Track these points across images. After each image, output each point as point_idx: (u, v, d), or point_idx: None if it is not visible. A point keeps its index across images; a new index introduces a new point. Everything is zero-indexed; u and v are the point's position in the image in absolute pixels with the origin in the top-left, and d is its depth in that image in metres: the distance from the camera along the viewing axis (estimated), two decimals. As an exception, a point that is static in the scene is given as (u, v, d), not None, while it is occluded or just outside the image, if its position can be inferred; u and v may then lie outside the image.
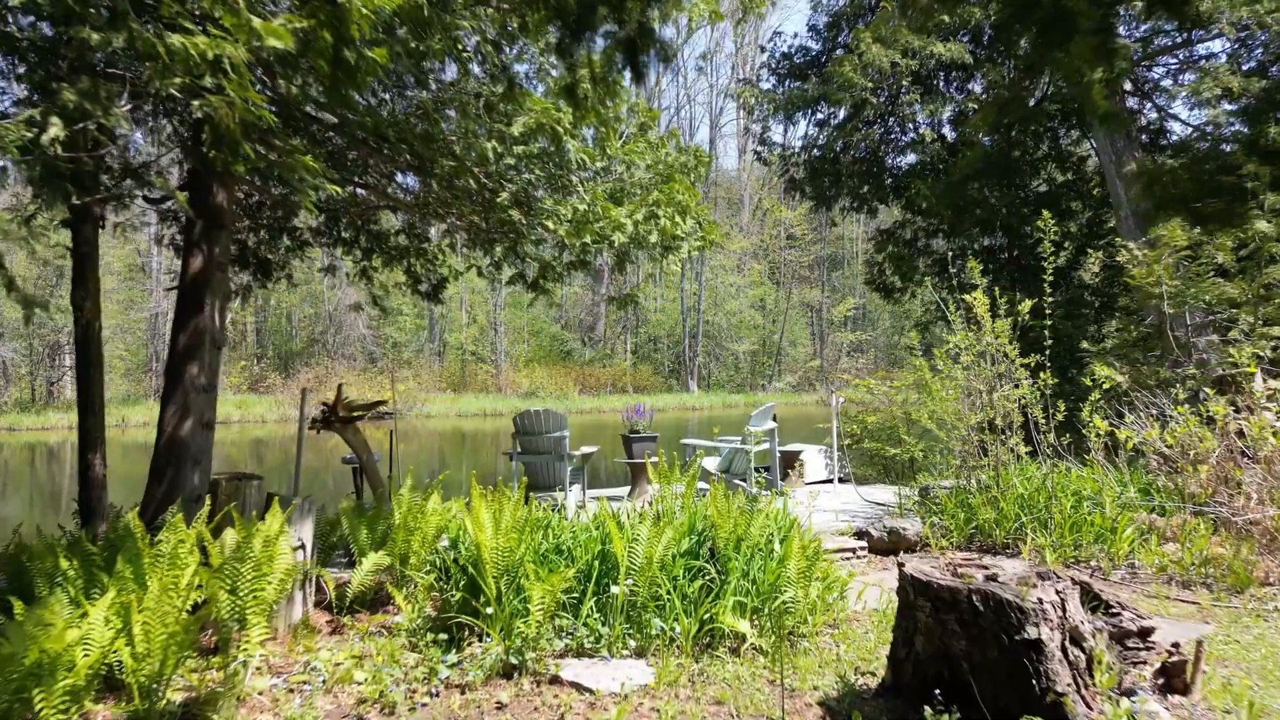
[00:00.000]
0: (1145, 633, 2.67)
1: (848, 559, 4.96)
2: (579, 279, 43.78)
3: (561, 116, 4.60)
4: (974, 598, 2.45)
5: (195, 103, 2.44)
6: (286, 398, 26.88)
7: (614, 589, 3.27)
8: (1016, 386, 5.46)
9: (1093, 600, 2.73)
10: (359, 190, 6.51)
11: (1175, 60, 8.64)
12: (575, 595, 3.46)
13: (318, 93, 2.99)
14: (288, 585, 3.41)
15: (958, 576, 2.63)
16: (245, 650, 2.83)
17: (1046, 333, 4.99)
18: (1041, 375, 5.24)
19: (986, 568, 2.70)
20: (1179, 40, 8.32)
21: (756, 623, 3.53)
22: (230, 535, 3.35)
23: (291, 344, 36.61)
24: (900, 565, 2.70)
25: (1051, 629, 2.38)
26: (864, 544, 5.13)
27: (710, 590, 3.54)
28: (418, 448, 21.10)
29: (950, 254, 11.23)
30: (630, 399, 32.79)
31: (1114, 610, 2.71)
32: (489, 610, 3.25)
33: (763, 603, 3.55)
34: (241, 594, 2.77)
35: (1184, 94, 7.97)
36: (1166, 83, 9.20)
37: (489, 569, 3.36)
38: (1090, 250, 8.36)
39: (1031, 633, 2.37)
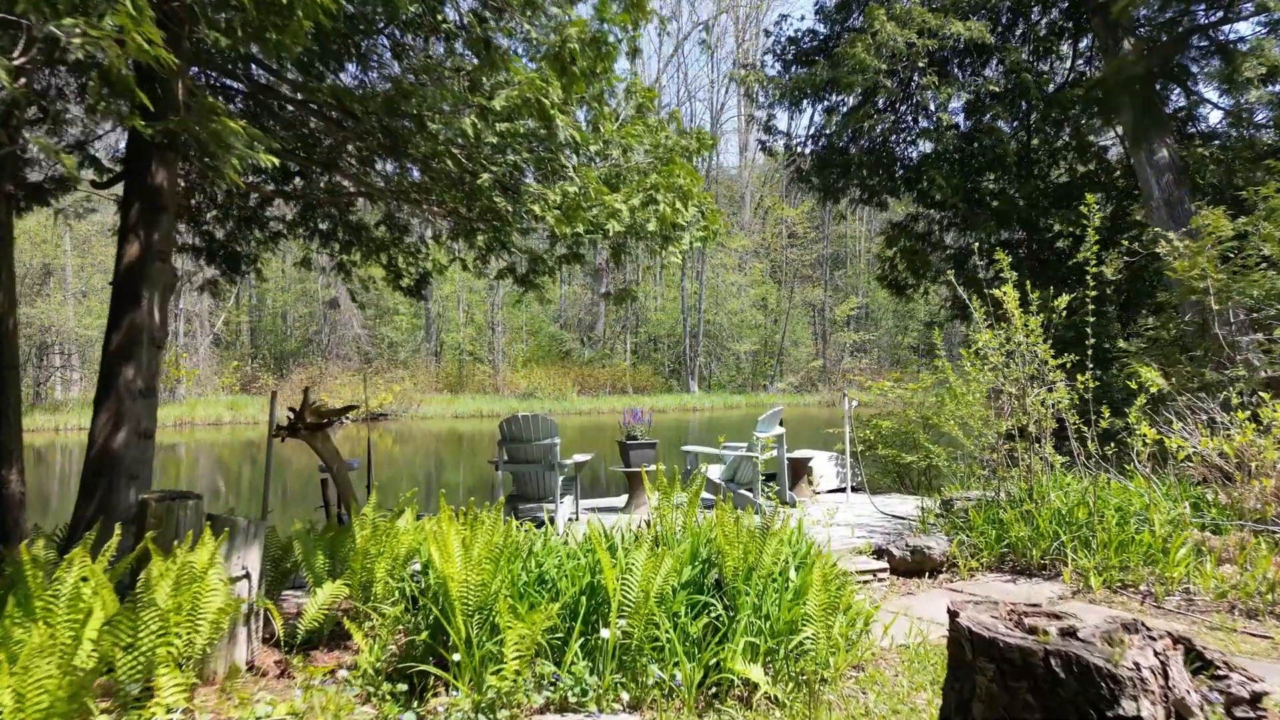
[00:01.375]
0: (1256, 698, 2.17)
1: (867, 582, 4.46)
2: (578, 278, 43.31)
3: (549, 89, 4.10)
4: (1052, 661, 1.95)
5: (76, 40, 1.95)
6: (279, 399, 26.37)
7: (604, 632, 2.77)
8: (1050, 389, 4.96)
9: (1194, 660, 2.23)
10: (334, 178, 6.04)
11: (1206, 41, 8.18)
12: (559, 636, 2.97)
13: (245, 40, 2.52)
14: (223, 624, 2.92)
15: (1025, 629, 2.13)
16: (161, 710, 2.34)
17: (1089, 330, 4.49)
18: (1080, 377, 4.75)
19: (1059, 617, 2.19)
20: (1211, 20, 7.83)
21: (771, 667, 3.03)
22: (157, 569, 2.85)
23: (286, 344, 36.10)
24: (953, 615, 2.20)
25: (1153, 703, 1.88)
26: (885, 565, 4.63)
27: (717, 629, 3.05)
28: (413, 450, 20.63)
29: (968, 247, 10.72)
30: (630, 400, 32.29)
31: (1220, 672, 2.22)
32: (456, 657, 2.76)
33: (778, 644, 3.05)
34: (143, 649, 2.27)
35: (1219, 78, 7.47)
36: (1194, 68, 8.70)
37: (458, 606, 2.86)
38: (1124, 241, 7.88)
39: (1129, 708, 1.87)
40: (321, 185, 6.07)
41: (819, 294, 46.24)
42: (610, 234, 4.91)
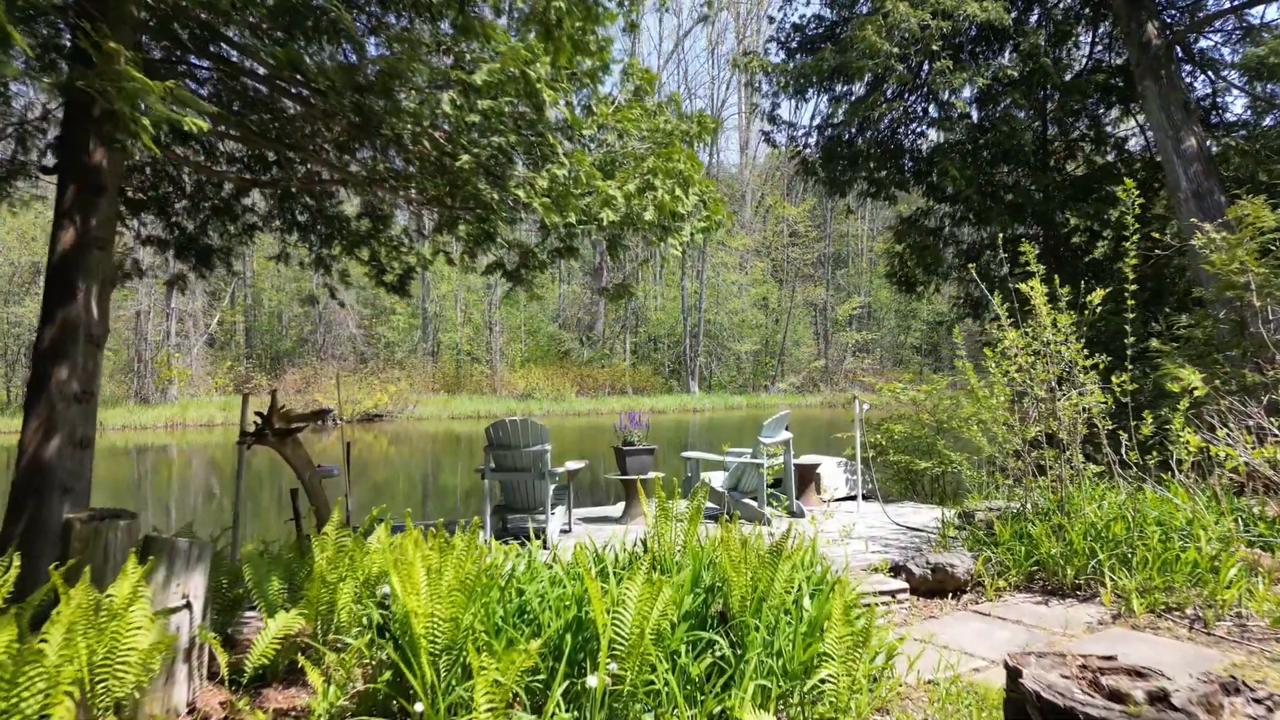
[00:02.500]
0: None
1: (886, 605, 4.07)
2: (577, 277, 42.92)
3: (535, 62, 3.70)
4: (1148, 740, 1.56)
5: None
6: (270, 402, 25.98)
7: (590, 680, 2.38)
8: (1081, 392, 4.57)
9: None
10: (311, 166, 5.66)
11: (1231, 25, 7.81)
12: (540, 679, 2.58)
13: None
14: (154, 664, 2.53)
15: (1105, 693, 1.73)
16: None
17: (1127, 328, 4.10)
18: (1115, 379, 4.36)
19: (1143, 675, 1.80)
20: (1238, 4, 7.46)
21: (784, 714, 2.65)
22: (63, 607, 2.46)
23: (281, 344, 35.70)
24: (1014, 673, 1.81)
25: (1279, 796, 1.49)
26: (903, 584, 4.23)
27: (722, 670, 2.66)
28: (409, 451, 20.28)
29: (981, 243, 10.33)
30: (630, 401, 31.89)
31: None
32: (419, 707, 2.36)
33: (792, 686, 2.67)
34: (28, 713, 1.88)
35: (1247, 63, 7.09)
36: (1216, 55, 8.33)
37: (422, 645, 2.47)
38: (1155, 235, 7.50)
39: (1249, 803, 1.48)
40: (299, 174, 5.70)
41: (820, 293, 45.84)
42: (604, 224, 4.52)
